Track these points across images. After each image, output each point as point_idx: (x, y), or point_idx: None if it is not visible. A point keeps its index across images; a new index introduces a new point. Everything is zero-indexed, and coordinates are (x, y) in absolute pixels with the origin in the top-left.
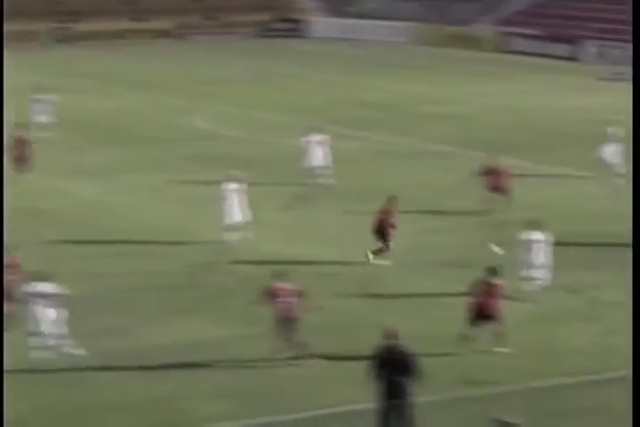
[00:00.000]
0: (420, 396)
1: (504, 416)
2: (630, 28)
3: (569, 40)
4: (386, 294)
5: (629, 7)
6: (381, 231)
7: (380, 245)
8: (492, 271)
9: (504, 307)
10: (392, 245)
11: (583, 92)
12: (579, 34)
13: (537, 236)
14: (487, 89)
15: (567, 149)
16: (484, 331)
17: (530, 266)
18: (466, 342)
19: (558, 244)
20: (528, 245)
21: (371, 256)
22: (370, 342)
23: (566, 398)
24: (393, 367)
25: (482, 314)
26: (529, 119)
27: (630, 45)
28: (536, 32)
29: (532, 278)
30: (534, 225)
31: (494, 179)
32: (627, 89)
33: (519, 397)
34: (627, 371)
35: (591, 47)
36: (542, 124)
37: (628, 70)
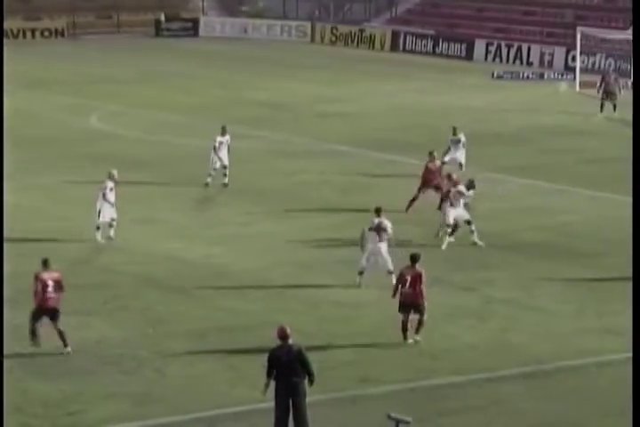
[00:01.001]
0: (315, 395)
1: (398, 414)
2: (518, 26)
3: (462, 39)
4: (276, 292)
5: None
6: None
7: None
8: (416, 259)
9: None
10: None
11: (478, 91)
12: (472, 33)
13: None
14: (381, 88)
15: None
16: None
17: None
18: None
19: (455, 244)
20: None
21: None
22: (263, 341)
23: (459, 395)
24: (286, 367)
25: (408, 303)
26: (424, 118)
27: (518, 44)
28: (430, 31)
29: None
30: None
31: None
32: (520, 87)
33: (413, 395)
34: (521, 368)
35: (484, 46)
36: (437, 122)
37: (520, 69)
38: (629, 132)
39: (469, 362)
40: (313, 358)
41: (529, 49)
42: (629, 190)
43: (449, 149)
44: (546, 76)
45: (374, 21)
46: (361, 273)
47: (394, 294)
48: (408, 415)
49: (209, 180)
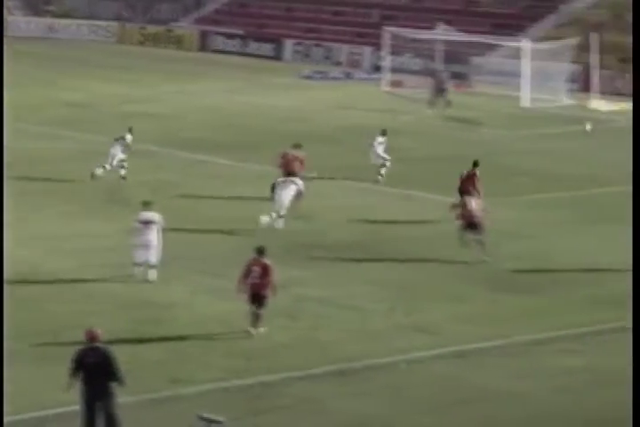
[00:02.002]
0: (125, 396)
1: (209, 414)
2: (327, 26)
3: (271, 39)
4: (86, 293)
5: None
6: None
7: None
8: (261, 251)
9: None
10: None
11: (287, 91)
12: (281, 33)
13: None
14: (190, 88)
15: (274, 148)
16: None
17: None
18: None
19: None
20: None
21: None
22: (73, 344)
23: (272, 394)
24: (94, 369)
25: (255, 293)
26: (233, 118)
27: (327, 44)
28: (239, 31)
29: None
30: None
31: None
32: (329, 87)
33: (226, 394)
34: (332, 366)
35: (293, 46)
36: (247, 122)
37: (329, 69)
38: (442, 130)
39: (281, 361)
40: (122, 360)
41: (338, 49)
42: (442, 189)
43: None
44: (355, 76)
45: (182, 21)
46: (138, 265)
47: (238, 286)
48: (221, 415)
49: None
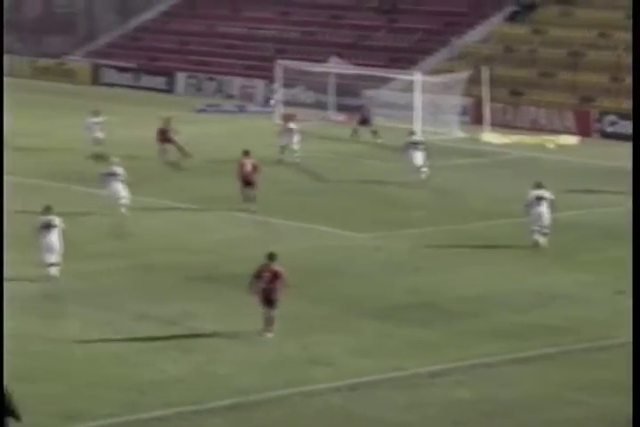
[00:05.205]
0: None
1: None
2: (219, 59)
3: (164, 72)
4: None
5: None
6: None
7: None
8: (272, 257)
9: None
10: None
11: (180, 124)
12: (173, 66)
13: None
14: (79, 122)
15: (168, 181)
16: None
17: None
18: None
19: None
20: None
21: None
22: None
23: None
24: None
25: (266, 298)
26: (121, 152)
27: (220, 77)
28: (131, 64)
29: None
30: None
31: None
32: (222, 120)
33: None
34: (227, 400)
35: (185, 79)
36: (137, 155)
37: (222, 102)
38: (330, 163)
39: (176, 395)
40: (17, 395)
41: (230, 82)
42: (330, 221)
43: None
44: (248, 109)
45: (74, 54)
46: (51, 265)
47: (249, 290)
48: None
49: None
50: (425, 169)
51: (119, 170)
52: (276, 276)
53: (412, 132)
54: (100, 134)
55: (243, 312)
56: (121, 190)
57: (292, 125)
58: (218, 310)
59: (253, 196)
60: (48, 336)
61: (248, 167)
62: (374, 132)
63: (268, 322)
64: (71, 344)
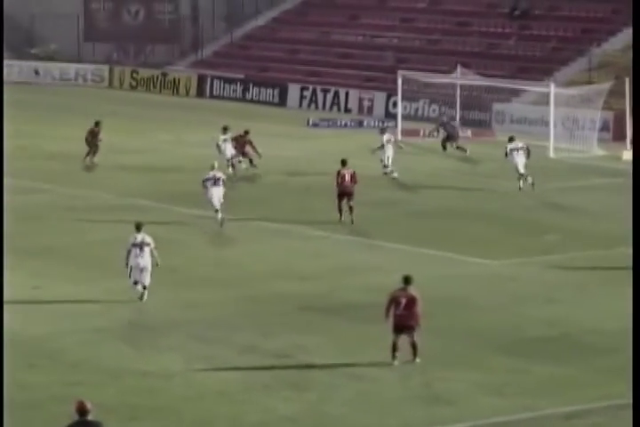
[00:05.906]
0: None
1: None
2: (334, 70)
3: (273, 84)
4: (70, 362)
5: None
6: None
7: None
8: (408, 281)
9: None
10: None
11: (292, 140)
12: (285, 77)
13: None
14: (187, 138)
15: (282, 202)
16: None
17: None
18: None
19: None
20: None
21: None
22: (58, 419)
23: None
24: None
25: (401, 325)
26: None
27: (335, 89)
28: (239, 75)
29: None
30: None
31: None
32: (338, 135)
33: None
34: None
35: (298, 91)
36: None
37: (336, 115)
38: (457, 182)
39: None
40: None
41: (347, 94)
42: (453, 247)
43: None
44: (365, 124)
45: (178, 64)
46: (136, 283)
47: (386, 316)
48: None
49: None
50: (529, 178)
51: (219, 174)
52: (412, 301)
53: (511, 138)
54: (230, 152)
55: (360, 345)
56: (219, 195)
57: (387, 137)
58: (332, 343)
59: (350, 207)
60: (147, 370)
61: (346, 178)
62: (461, 149)
63: (413, 348)
64: (172, 378)
